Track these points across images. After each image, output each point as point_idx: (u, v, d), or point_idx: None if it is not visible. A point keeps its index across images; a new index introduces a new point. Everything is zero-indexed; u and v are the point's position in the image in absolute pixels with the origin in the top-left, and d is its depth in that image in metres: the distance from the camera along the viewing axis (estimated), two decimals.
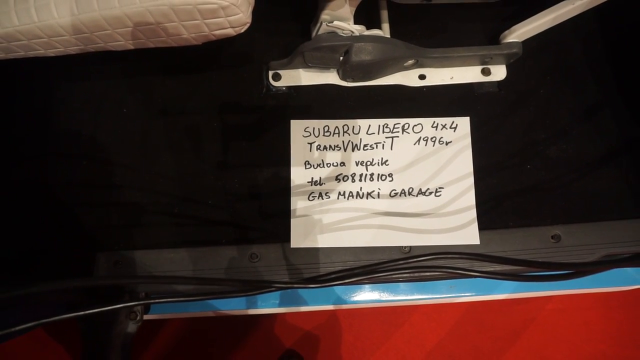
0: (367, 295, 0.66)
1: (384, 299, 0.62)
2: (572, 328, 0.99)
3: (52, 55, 0.45)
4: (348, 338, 0.98)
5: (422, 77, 0.57)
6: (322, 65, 0.53)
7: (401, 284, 0.66)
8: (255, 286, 0.33)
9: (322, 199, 0.54)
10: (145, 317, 0.60)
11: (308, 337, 0.98)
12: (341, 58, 0.52)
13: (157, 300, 0.43)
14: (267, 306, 0.67)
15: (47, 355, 0.99)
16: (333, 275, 0.33)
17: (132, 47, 0.45)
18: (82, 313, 0.36)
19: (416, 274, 0.48)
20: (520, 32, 0.53)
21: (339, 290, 0.68)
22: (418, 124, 0.56)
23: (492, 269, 0.44)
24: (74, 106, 0.56)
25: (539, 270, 0.37)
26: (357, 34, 0.51)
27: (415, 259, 0.33)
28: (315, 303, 0.68)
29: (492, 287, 0.67)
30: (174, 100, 0.57)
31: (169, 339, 1.00)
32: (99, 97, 0.56)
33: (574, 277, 0.32)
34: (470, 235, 0.53)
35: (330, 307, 0.69)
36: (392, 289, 0.66)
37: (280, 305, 0.67)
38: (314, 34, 0.52)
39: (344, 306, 0.67)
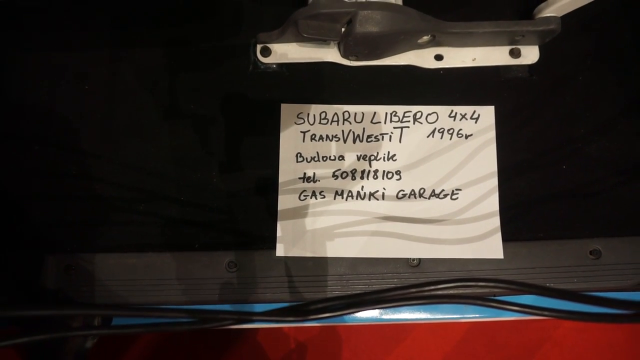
0: (362, 314, 0.58)
1: (383, 317, 0.54)
2: (594, 350, 0.91)
3: None
4: (344, 354, 0.91)
5: (439, 57, 0.49)
6: (320, 37, 0.45)
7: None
8: (211, 318, 0.24)
9: (316, 198, 0.47)
10: (110, 331, 0.53)
11: (298, 353, 0.91)
12: (343, 29, 0.44)
13: (101, 332, 0.36)
14: None
15: None
16: (320, 305, 0.25)
17: None
18: (10, 342, 0.29)
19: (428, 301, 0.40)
20: (559, 5, 0.45)
21: None
22: (433, 113, 0.49)
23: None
24: (26, 80, 0.49)
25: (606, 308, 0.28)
26: (364, 0, 0.43)
27: (430, 287, 0.24)
28: None
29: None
30: (144, 76, 0.49)
31: (139, 356, 0.91)
32: (57, 70, 0.49)
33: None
34: (492, 248, 0.46)
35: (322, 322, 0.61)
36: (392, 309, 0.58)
37: None
38: None
39: (337, 323, 0.59)
